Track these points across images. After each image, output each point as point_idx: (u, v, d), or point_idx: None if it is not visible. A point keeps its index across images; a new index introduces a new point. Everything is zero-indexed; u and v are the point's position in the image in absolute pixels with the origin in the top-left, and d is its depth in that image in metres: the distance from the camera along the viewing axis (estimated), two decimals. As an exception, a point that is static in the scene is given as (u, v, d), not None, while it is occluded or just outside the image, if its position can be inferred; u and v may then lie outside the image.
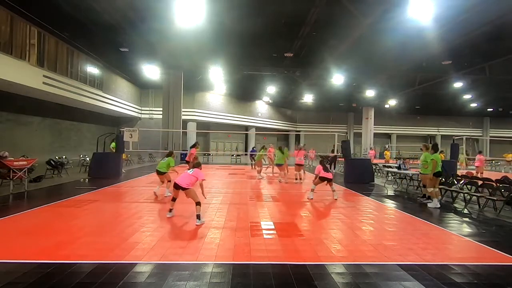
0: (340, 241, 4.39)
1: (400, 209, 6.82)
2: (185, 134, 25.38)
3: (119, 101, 22.86)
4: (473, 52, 15.62)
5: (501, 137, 33.82)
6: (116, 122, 25.85)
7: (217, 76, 21.30)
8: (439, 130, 39.09)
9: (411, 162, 22.95)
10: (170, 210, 5.54)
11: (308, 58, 17.81)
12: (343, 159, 14.37)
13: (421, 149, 8.27)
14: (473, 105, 31.34)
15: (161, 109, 21.38)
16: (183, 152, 20.97)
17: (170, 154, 7.81)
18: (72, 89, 16.65)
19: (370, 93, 25.32)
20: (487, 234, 4.91)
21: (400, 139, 39.27)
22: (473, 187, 7.69)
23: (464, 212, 6.60)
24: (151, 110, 27.42)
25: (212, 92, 28.52)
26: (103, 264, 3.35)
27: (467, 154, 21.25)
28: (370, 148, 27.27)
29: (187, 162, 11.38)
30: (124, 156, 14.92)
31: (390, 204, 7.53)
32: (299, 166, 11.57)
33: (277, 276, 3.18)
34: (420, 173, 8.09)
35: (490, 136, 37.67)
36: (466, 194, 7.20)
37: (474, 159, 15.14)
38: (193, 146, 11.60)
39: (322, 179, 7.60)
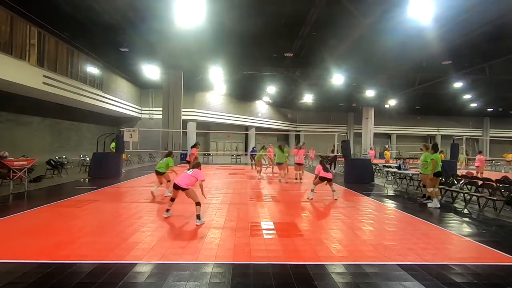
0: (340, 241, 4.39)
1: (400, 209, 6.82)
2: (185, 134, 25.39)
3: (119, 101, 22.86)
4: (473, 52, 15.62)
5: (501, 137, 33.82)
6: (116, 122, 25.85)
7: (217, 76, 21.30)
8: (439, 130, 39.09)
9: (411, 162, 22.96)
10: (167, 210, 5.54)
11: (308, 58, 17.82)
12: (343, 159, 14.37)
13: (421, 149, 8.27)
14: (473, 105, 31.34)
15: (161, 109, 21.38)
16: (183, 152, 21.01)
17: (169, 154, 7.80)
18: (72, 89, 16.65)
19: (370, 93, 25.33)
20: (487, 234, 4.91)
21: (400, 139, 39.28)
22: (473, 187, 7.69)
23: (464, 212, 6.60)
24: (151, 110, 27.42)
25: (212, 92, 28.52)
26: (103, 264, 3.35)
27: (467, 154, 21.26)
28: (370, 148, 27.28)
29: (188, 162, 11.40)
30: (124, 156, 14.92)
31: (390, 204, 7.53)
32: (299, 165, 11.57)
33: (277, 276, 3.18)
34: (420, 173, 8.10)
35: (490, 136, 37.67)
36: (466, 194, 7.20)
37: (474, 159, 15.14)
38: (194, 146, 11.63)
39: (322, 179, 7.60)
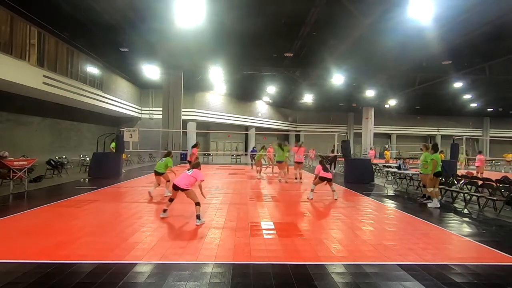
0: (340, 241, 4.39)
1: (400, 209, 6.82)
2: (185, 134, 25.40)
3: (119, 101, 22.87)
4: (473, 52, 15.63)
5: (501, 137, 33.83)
6: (116, 122, 25.85)
7: (217, 76, 21.31)
8: (439, 130, 39.10)
9: (411, 162, 22.96)
10: (164, 211, 5.46)
11: (308, 58, 17.82)
12: (343, 159, 14.37)
13: (421, 149, 8.28)
14: (473, 105, 31.35)
15: (161, 109, 21.39)
16: (183, 152, 21.02)
17: (168, 155, 7.73)
18: (72, 89, 16.65)
19: (370, 93, 25.33)
20: (487, 234, 4.91)
21: (400, 139, 39.28)
22: (473, 187, 7.69)
23: (464, 212, 6.60)
24: (151, 110, 27.42)
25: (212, 92, 28.52)
26: (103, 264, 3.35)
27: (467, 154, 21.26)
28: (370, 148, 27.28)
29: (189, 162, 11.40)
30: (124, 156, 14.91)
31: (390, 204, 7.53)
32: (298, 164, 11.56)
33: (277, 276, 3.18)
34: (420, 173, 8.10)
35: (490, 136, 37.68)
36: (466, 194, 7.20)
37: (474, 159, 15.14)
38: (195, 146, 11.61)
39: (322, 179, 7.59)
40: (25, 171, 7.93)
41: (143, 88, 27.04)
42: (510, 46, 14.31)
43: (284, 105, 35.75)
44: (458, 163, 14.48)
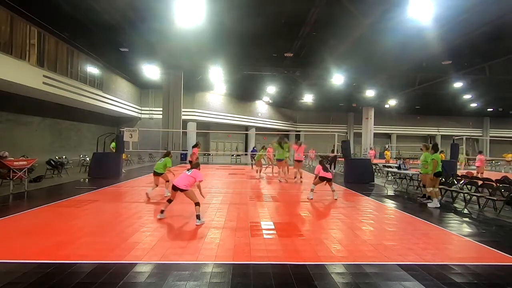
0: (340, 241, 4.39)
1: (400, 209, 6.82)
2: (185, 134, 25.39)
3: (119, 101, 22.86)
4: (473, 52, 15.63)
5: (501, 137, 33.81)
6: (116, 122, 25.85)
7: (217, 76, 21.30)
8: (439, 130, 39.09)
9: (411, 162, 22.96)
10: (162, 212, 5.38)
11: (308, 58, 17.82)
12: (343, 159, 14.37)
13: (421, 149, 8.28)
14: (473, 105, 31.35)
15: (161, 109, 21.38)
16: (183, 152, 21.02)
17: (167, 155, 7.69)
18: (72, 89, 16.65)
19: (370, 93, 25.33)
20: (487, 234, 4.91)
21: (400, 139, 39.27)
22: (473, 187, 7.69)
23: (464, 212, 6.60)
24: (151, 110, 27.41)
25: (212, 92, 28.51)
26: (103, 264, 3.35)
27: (467, 154, 21.26)
28: (370, 148, 27.29)
29: (191, 162, 11.40)
30: (124, 156, 14.92)
31: (390, 204, 7.53)
32: (298, 162, 11.54)
33: (277, 276, 3.18)
34: (420, 173, 8.10)
35: (490, 136, 37.67)
36: (466, 194, 7.20)
37: (474, 159, 15.14)
38: (195, 146, 11.61)
39: (322, 179, 7.59)
40: (25, 171, 7.93)
41: (143, 88, 27.03)
42: (510, 46, 14.31)
43: (284, 105, 35.74)
44: (458, 163, 14.48)
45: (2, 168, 7.64)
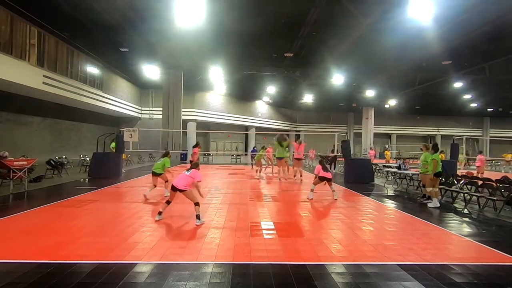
0: (340, 241, 4.39)
1: (400, 209, 6.82)
2: (185, 134, 25.39)
3: (119, 101, 22.87)
4: (473, 52, 15.63)
5: (501, 137, 33.83)
6: (116, 122, 25.85)
7: (217, 76, 21.31)
8: (439, 130, 39.10)
9: (411, 162, 22.96)
10: (160, 213, 5.28)
11: (308, 58, 17.82)
12: (343, 159, 14.37)
13: (421, 149, 8.28)
14: (473, 105, 31.36)
15: (161, 109, 21.38)
16: (183, 152, 21.02)
17: (166, 155, 7.64)
18: (72, 89, 16.66)
19: (370, 93, 25.34)
20: (487, 234, 4.91)
21: (400, 139, 39.29)
22: (473, 187, 7.69)
23: (464, 212, 6.60)
24: (151, 110, 27.42)
25: (212, 92, 28.53)
26: (103, 264, 3.35)
27: (467, 154, 21.26)
28: (370, 148, 27.28)
29: (191, 162, 11.40)
30: (124, 156, 14.92)
31: (390, 204, 7.53)
32: (298, 160, 11.54)
33: (277, 276, 3.18)
34: (420, 173, 8.10)
35: (490, 136, 37.68)
36: (466, 194, 7.20)
37: (474, 159, 15.14)
38: (196, 145, 11.61)
39: (322, 179, 7.59)
40: (25, 171, 7.93)
41: (143, 88, 27.04)
42: (510, 46, 14.31)
43: (284, 105, 35.76)
44: (458, 163, 14.49)
45: (2, 168, 7.64)
